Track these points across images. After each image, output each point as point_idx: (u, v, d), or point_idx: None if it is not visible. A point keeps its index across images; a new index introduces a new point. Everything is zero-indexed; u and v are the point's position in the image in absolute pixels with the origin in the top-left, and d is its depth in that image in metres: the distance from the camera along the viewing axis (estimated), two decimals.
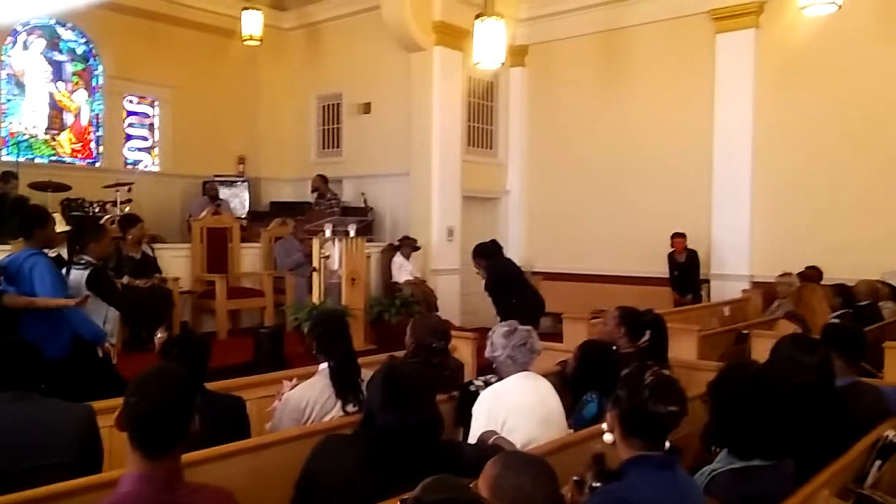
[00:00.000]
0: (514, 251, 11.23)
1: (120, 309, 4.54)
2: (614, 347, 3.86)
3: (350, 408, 3.22)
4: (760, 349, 4.74)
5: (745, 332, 6.26)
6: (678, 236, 9.16)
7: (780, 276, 8.02)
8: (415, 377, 2.42)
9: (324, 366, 3.37)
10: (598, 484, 2.05)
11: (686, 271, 9.24)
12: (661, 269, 9.45)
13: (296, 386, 3.42)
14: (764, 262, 8.97)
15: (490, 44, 8.34)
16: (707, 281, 9.45)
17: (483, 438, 2.94)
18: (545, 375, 3.55)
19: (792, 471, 2.34)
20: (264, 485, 2.92)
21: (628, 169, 10.11)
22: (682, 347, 5.62)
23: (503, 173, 11.35)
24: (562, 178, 10.84)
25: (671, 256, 9.31)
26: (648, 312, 3.93)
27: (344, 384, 3.25)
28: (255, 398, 4.00)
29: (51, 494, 2.35)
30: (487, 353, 3.36)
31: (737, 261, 9.25)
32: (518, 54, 11.11)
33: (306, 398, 3.29)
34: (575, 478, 2.15)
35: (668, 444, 2.06)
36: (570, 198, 10.71)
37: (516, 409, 3.09)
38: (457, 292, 10.13)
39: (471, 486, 1.87)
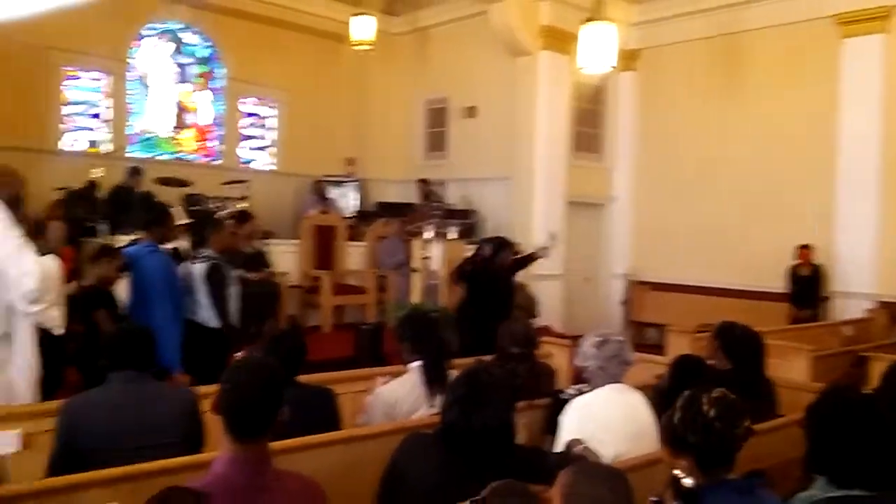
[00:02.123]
0: (620, 259, 11.05)
1: (219, 311, 4.69)
2: (711, 363, 3.71)
3: (438, 406, 3.24)
4: (880, 374, 4.44)
5: (865, 354, 5.86)
6: (804, 248, 8.72)
7: None
8: (483, 381, 2.40)
9: (414, 364, 3.41)
10: None
11: (808, 286, 8.78)
12: (776, 284, 9.00)
13: (388, 383, 3.48)
14: (892, 279, 8.40)
15: (596, 48, 8.19)
16: (827, 298, 8.94)
17: (569, 447, 2.89)
18: (642, 388, 3.45)
19: None
20: (353, 476, 2.97)
21: (744, 178, 9.71)
22: (794, 368, 5.34)
23: (610, 179, 11.15)
24: (672, 185, 10.53)
25: (793, 269, 8.86)
26: (742, 327, 3.74)
27: (433, 382, 3.28)
28: (351, 392, 4.11)
29: (156, 470, 2.49)
30: (578, 363, 3.30)
31: (862, 277, 8.71)
32: (629, 58, 10.88)
33: (396, 395, 3.35)
34: (653, 498, 2.08)
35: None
36: (681, 206, 10.38)
37: (605, 422, 3.01)
38: (559, 298, 10.02)
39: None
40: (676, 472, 2.04)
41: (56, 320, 3.54)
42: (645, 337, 10.15)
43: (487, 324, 4.42)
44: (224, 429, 1.99)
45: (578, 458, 2.60)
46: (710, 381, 3.35)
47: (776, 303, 8.97)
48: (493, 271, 6.30)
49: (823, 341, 6.82)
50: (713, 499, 1.93)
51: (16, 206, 3.55)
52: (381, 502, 2.53)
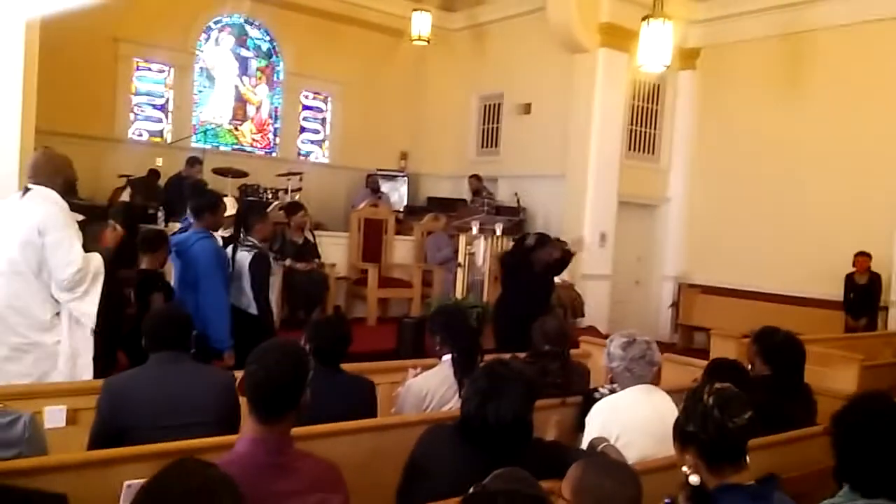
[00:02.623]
0: (672, 261, 10.88)
1: (258, 301, 4.81)
2: (751, 367, 3.65)
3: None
4: None
5: None
6: (862, 255, 8.44)
7: None
8: (500, 374, 2.43)
9: (447, 357, 3.46)
10: None
11: (865, 294, 8.50)
12: (832, 291, 8.74)
13: (419, 374, 3.53)
14: None
15: (656, 46, 8.09)
16: (885, 308, 8.64)
17: (593, 444, 2.90)
18: (678, 391, 3.42)
19: None
20: (379, 464, 3.03)
21: (802, 182, 9.43)
22: (842, 377, 5.19)
23: (664, 180, 10.98)
24: (728, 188, 10.30)
25: (850, 277, 8.59)
26: (783, 333, 3.67)
27: (464, 376, 3.31)
28: (388, 383, 4.18)
29: (189, 448, 2.59)
30: (604, 363, 3.29)
31: None
32: (689, 57, 10.70)
33: (427, 387, 3.40)
34: (667, 500, 2.09)
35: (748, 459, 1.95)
36: (736, 209, 10.16)
37: (631, 423, 3.00)
38: (606, 298, 9.93)
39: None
40: (684, 468, 2.04)
41: (87, 313, 3.70)
42: (694, 341, 9.98)
43: (522, 319, 4.42)
44: (249, 409, 2.07)
45: (600, 455, 2.61)
46: (746, 386, 3.34)
47: (831, 311, 8.72)
48: (531, 265, 6.28)
49: (876, 351, 6.61)
50: (726, 502, 1.92)
51: (71, 192, 3.71)
52: (403, 492, 2.58)
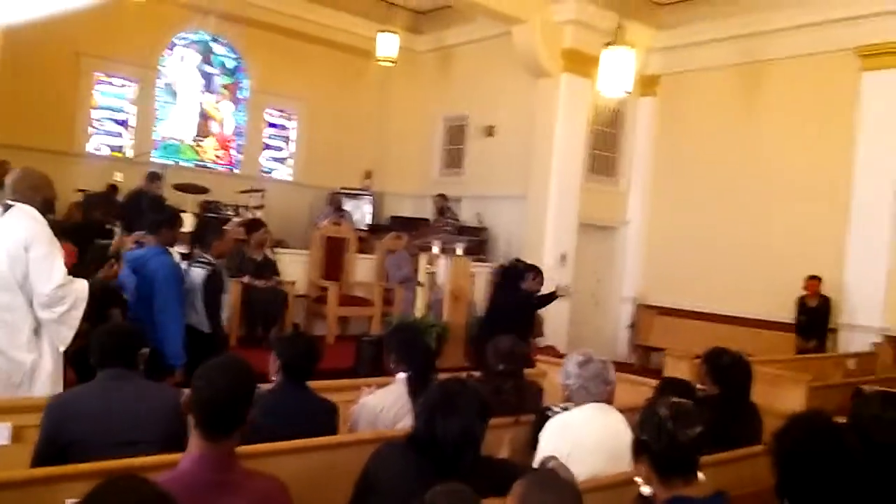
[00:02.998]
0: (630, 283, 11.03)
1: (212, 318, 4.78)
2: (700, 387, 3.73)
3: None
4: None
5: (865, 387, 5.81)
6: (812, 279, 8.68)
7: None
8: (452, 391, 2.45)
9: (401, 375, 3.47)
10: None
11: (815, 317, 8.72)
12: (785, 314, 8.96)
13: (374, 392, 3.53)
14: None
15: (617, 72, 8.27)
16: (834, 330, 8.87)
17: (543, 462, 2.92)
18: (632, 410, 3.47)
19: None
20: (333, 482, 3.01)
21: (757, 207, 9.68)
22: (790, 398, 5.31)
23: (624, 202, 11.16)
24: (686, 212, 10.51)
25: (801, 300, 8.81)
26: (731, 354, 3.76)
27: (418, 394, 3.32)
28: (345, 401, 4.16)
29: (132, 467, 2.55)
30: (560, 381, 3.33)
31: (870, 311, 8.61)
32: (650, 84, 10.93)
33: (382, 405, 3.40)
34: None
35: (701, 475, 2.01)
36: (693, 232, 10.36)
37: (583, 441, 3.04)
38: (565, 318, 10.01)
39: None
40: (637, 479, 2.09)
41: (64, 338, 3.67)
42: (651, 361, 10.11)
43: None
44: (193, 426, 2.06)
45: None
46: (696, 404, 3.40)
47: (784, 333, 8.92)
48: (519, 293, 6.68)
49: (826, 373, 6.77)
50: None
51: (49, 210, 3.70)
52: None
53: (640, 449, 2.09)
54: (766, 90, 9.77)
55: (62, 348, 3.71)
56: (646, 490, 2.06)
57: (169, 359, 4.42)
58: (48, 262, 3.57)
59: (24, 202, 3.63)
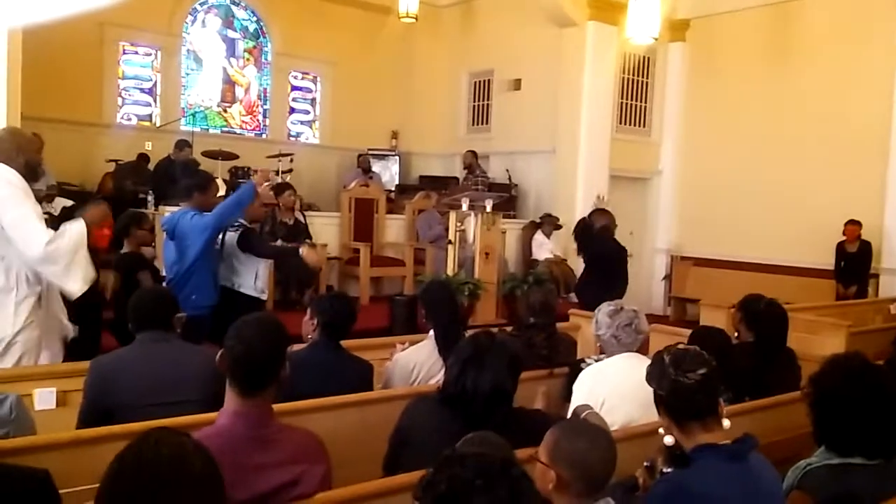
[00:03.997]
0: (664, 234, 10.91)
1: (276, 258, 4.78)
2: (736, 335, 3.69)
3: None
4: None
5: None
6: (852, 223, 8.47)
7: None
8: (483, 346, 2.45)
9: (432, 331, 3.49)
10: (669, 469, 2.02)
11: (855, 262, 8.54)
12: (824, 260, 8.78)
13: (406, 348, 3.56)
14: None
15: (645, 18, 8.08)
16: (876, 275, 8.68)
17: (577, 412, 2.93)
18: None
19: None
20: (370, 437, 3.05)
21: (794, 152, 9.44)
22: (829, 344, 5.22)
23: (656, 152, 10.97)
24: (720, 160, 10.30)
25: (840, 245, 8.63)
26: (767, 301, 3.70)
27: (447, 349, 3.34)
28: (380, 359, 4.21)
29: (176, 426, 2.60)
30: (593, 331, 3.32)
31: None
32: (679, 29, 10.66)
33: (414, 360, 3.43)
34: (646, 463, 2.13)
35: (727, 423, 1.99)
36: (728, 180, 10.16)
37: (616, 389, 3.03)
38: None
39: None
40: (660, 430, 2.08)
41: (71, 291, 3.54)
42: (687, 313, 10.03)
43: None
44: (228, 383, 2.09)
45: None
46: (730, 353, 3.37)
47: (824, 279, 8.78)
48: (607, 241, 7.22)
49: (866, 318, 6.67)
50: (703, 463, 1.95)
51: (32, 176, 3.55)
52: (389, 463, 2.62)
53: (657, 399, 2.09)
54: (799, 30, 9.45)
55: (74, 294, 3.57)
56: (669, 440, 2.05)
57: (198, 306, 4.40)
58: (23, 226, 3.39)
59: (3, 163, 3.45)
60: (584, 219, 7.62)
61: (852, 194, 8.78)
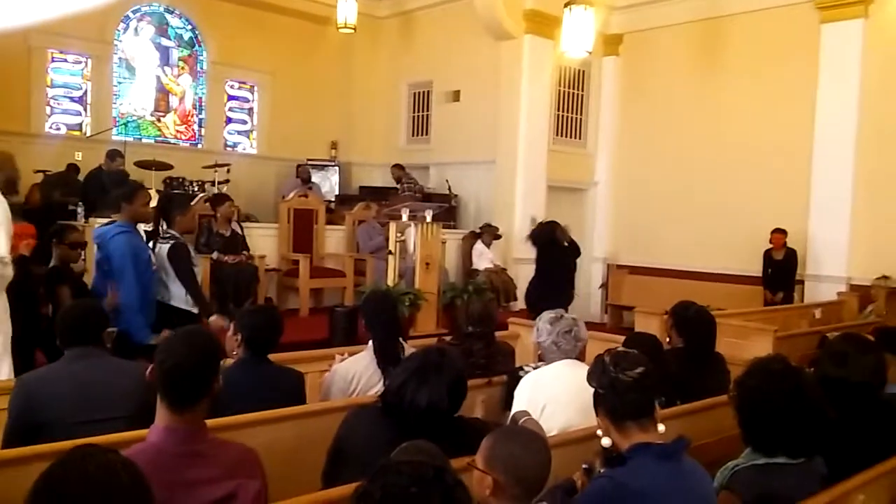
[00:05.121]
0: (600, 243, 11.14)
1: (188, 288, 4.69)
2: (668, 340, 3.79)
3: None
4: None
5: (831, 335, 5.95)
6: (778, 232, 8.80)
7: (877, 279, 7.58)
8: (431, 362, 2.46)
9: (371, 342, 3.48)
10: (606, 470, 2.06)
11: (782, 270, 8.86)
12: (753, 268, 9.11)
13: (345, 359, 3.54)
14: (863, 263, 8.52)
15: (579, 32, 8.24)
16: (801, 282, 9.04)
17: (515, 419, 2.97)
18: None
19: (822, 471, 2.25)
20: (308, 449, 3.02)
21: (723, 163, 9.78)
22: (757, 348, 5.39)
23: (592, 164, 11.20)
24: (653, 171, 10.60)
25: (767, 253, 8.95)
26: (696, 307, 3.83)
27: (386, 360, 3.34)
28: (319, 371, 4.17)
29: (105, 444, 2.54)
30: (533, 339, 3.37)
31: (834, 261, 8.81)
32: (612, 43, 10.93)
33: (353, 371, 3.41)
34: (584, 465, 2.17)
35: (662, 427, 2.05)
36: (661, 191, 10.46)
37: (555, 396, 3.08)
38: None
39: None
40: (598, 432, 2.13)
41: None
42: (623, 320, 10.23)
43: None
44: (159, 398, 2.04)
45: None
46: (661, 357, 3.47)
47: (752, 286, 9.07)
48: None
49: (792, 323, 6.92)
50: (637, 461, 1.99)
51: (11, 189, 3.64)
52: (328, 474, 2.60)
53: (596, 401, 2.14)
54: (727, 46, 9.82)
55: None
56: (606, 441, 2.10)
57: (134, 337, 4.32)
58: None
59: None
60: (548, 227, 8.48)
61: (778, 204, 9.13)
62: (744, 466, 2.24)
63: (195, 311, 4.86)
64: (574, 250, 8.61)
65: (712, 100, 9.92)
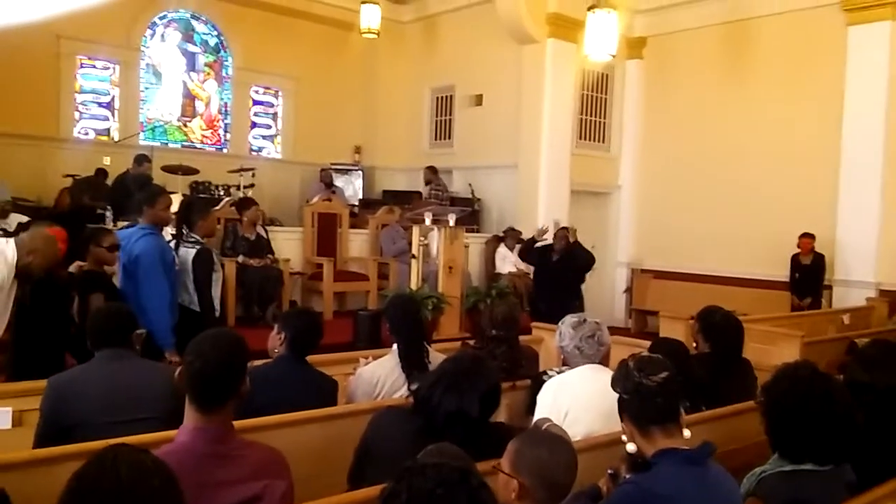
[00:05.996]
0: (625, 248, 11.07)
1: (201, 297, 4.75)
2: (695, 346, 3.76)
3: (415, 386, 3.30)
4: None
5: (860, 341, 5.86)
6: (806, 237, 8.68)
7: None
8: (464, 368, 2.48)
9: (396, 346, 3.49)
10: (631, 475, 2.05)
11: (809, 274, 8.75)
12: (779, 272, 9.00)
13: (370, 363, 3.56)
14: (893, 269, 8.41)
15: (602, 36, 8.22)
16: (829, 287, 8.91)
17: (538, 425, 2.95)
18: None
19: (850, 479, 2.22)
20: (335, 451, 3.04)
21: (748, 166, 9.68)
22: (784, 354, 5.32)
23: (615, 167, 11.15)
24: (677, 174, 10.52)
25: (795, 258, 8.84)
26: (723, 312, 3.79)
27: (410, 364, 3.35)
28: (342, 374, 4.19)
29: (135, 444, 2.58)
30: (556, 343, 3.36)
31: (863, 266, 8.67)
32: (636, 46, 10.88)
33: (377, 375, 3.43)
34: (610, 470, 2.16)
35: (688, 432, 2.03)
36: (686, 194, 10.38)
37: (578, 401, 3.07)
38: None
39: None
40: (623, 437, 2.12)
41: None
42: (648, 325, 10.17)
43: None
44: (188, 400, 2.07)
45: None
46: (687, 363, 3.44)
47: (779, 291, 8.98)
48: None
49: (820, 329, 6.83)
50: (663, 467, 1.98)
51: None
52: (354, 475, 2.62)
53: (620, 406, 2.13)
54: (752, 49, 9.72)
55: None
56: (631, 447, 2.09)
57: (157, 341, 4.36)
58: None
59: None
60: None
61: (806, 208, 9.02)
62: (771, 473, 2.22)
63: (215, 314, 4.91)
64: (572, 257, 8.33)
65: (737, 103, 9.83)
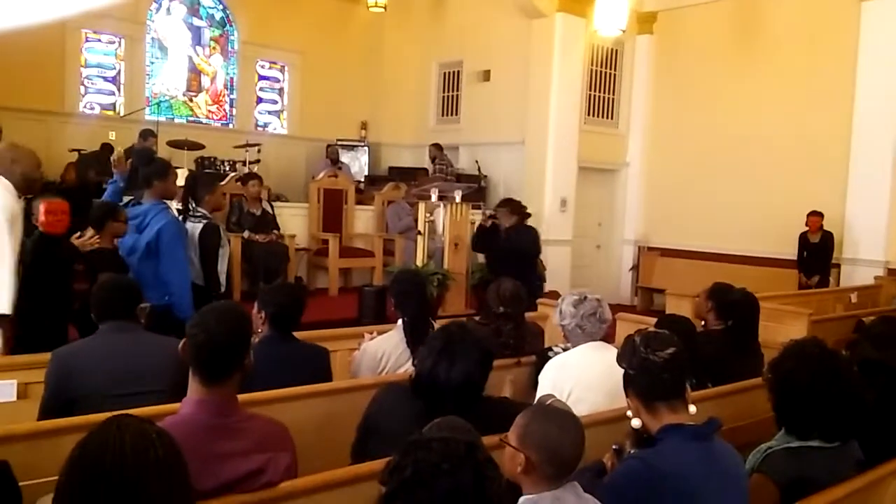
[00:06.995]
0: (632, 225, 11.01)
1: (206, 272, 4.74)
2: (703, 323, 3.74)
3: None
4: None
5: (867, 319, 5.83)
6: (814, 215, 8.60)
7: None
8: (456, 337, 2.46)
9: (401, 321, 3.48)
10: (636, 451, 2.04)
11: (817, 253, 8.68)
12: (787, 250, 8.93)
13: (374, 338, 3.55)
14: None
15: (612, 10, 8.13)
16: (837, 265, 8.86)
17: (541, 402, 2.95)
18: None
19: (857, 455, 2.21)
20: (337, 426, 3.04)
21: (758, 144, 9.58)
22: (791, 332, 5.28)
23: (623, 144, 11.06)
24: (686, 152, 10.43)
25: (803, 236, 8.77)
26: (737, 290, 3.76)
27: (415, 339, 3.34)
28: (348, 349, 4.19)
29: (143, 416, 2.58)
30: (556, 321, 3.33)
31: (872, 245, 8.60)
32: (646, 21, 10.73)
33: (382, 350, 3.43)
34: (615, 446, 2.15)
35: (693, 408, 2.02)
36: (694, 172, 10.29)
37: (581, 379, 3.05)
38: (568, 263, 10.02)
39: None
40: (628, 413, 2.11)
41: None
42: (654, 303, 10.15)
43: None
44: (192, 372, 2.06)
45: None
46: (694, 340, 3.42)
47: (787, 269, 8.92)
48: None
49: (828, 307, 6.80)
50: (668, 442, 1.97)
51: (30, 189, 3.72)
52: (356, 450, 2.62)
53: (626, 381, 2.12)
54: (763, 25, 9.58)
55: None
56: (636, 423, 2.08)
57: (180, 314, 4.31)
58: None
59: (3, 174, 3.60)
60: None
61: (815, 186, 8.94)
62: (777, 449, 2.20)
63: (221, 288, 4.90)
64: (516, 236, 7.01)
65: (748, 80, 9.70)
